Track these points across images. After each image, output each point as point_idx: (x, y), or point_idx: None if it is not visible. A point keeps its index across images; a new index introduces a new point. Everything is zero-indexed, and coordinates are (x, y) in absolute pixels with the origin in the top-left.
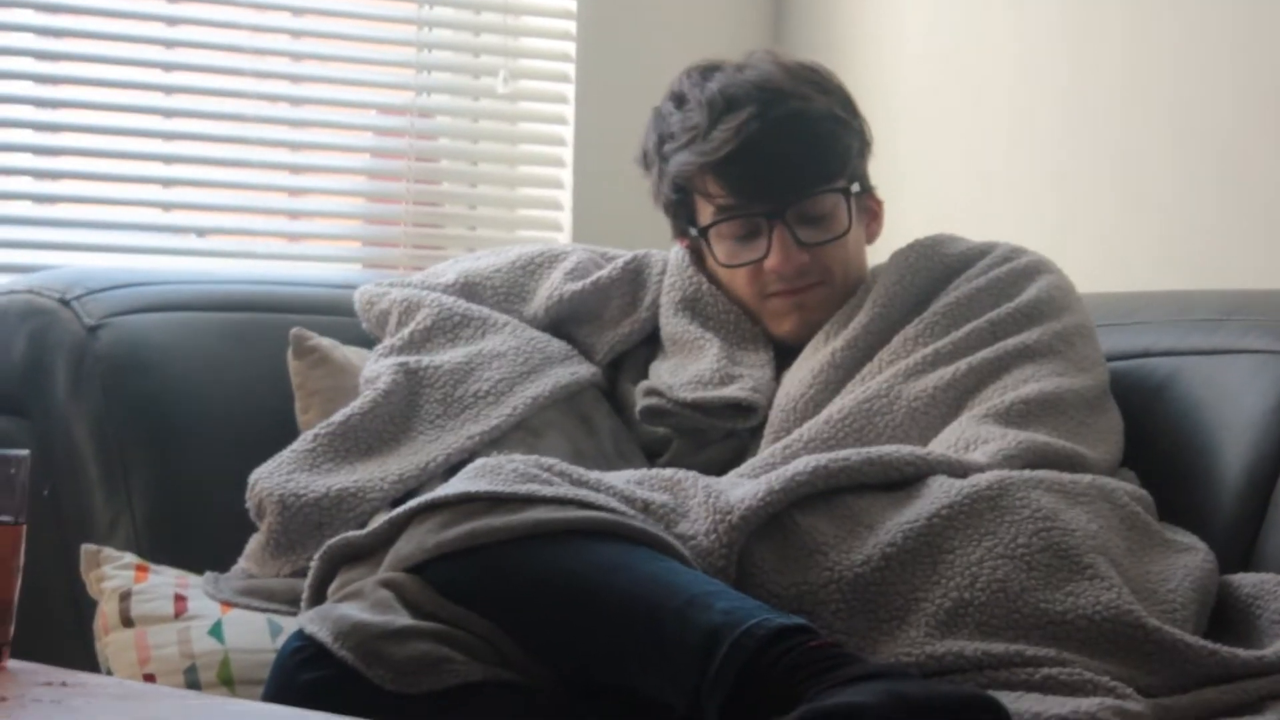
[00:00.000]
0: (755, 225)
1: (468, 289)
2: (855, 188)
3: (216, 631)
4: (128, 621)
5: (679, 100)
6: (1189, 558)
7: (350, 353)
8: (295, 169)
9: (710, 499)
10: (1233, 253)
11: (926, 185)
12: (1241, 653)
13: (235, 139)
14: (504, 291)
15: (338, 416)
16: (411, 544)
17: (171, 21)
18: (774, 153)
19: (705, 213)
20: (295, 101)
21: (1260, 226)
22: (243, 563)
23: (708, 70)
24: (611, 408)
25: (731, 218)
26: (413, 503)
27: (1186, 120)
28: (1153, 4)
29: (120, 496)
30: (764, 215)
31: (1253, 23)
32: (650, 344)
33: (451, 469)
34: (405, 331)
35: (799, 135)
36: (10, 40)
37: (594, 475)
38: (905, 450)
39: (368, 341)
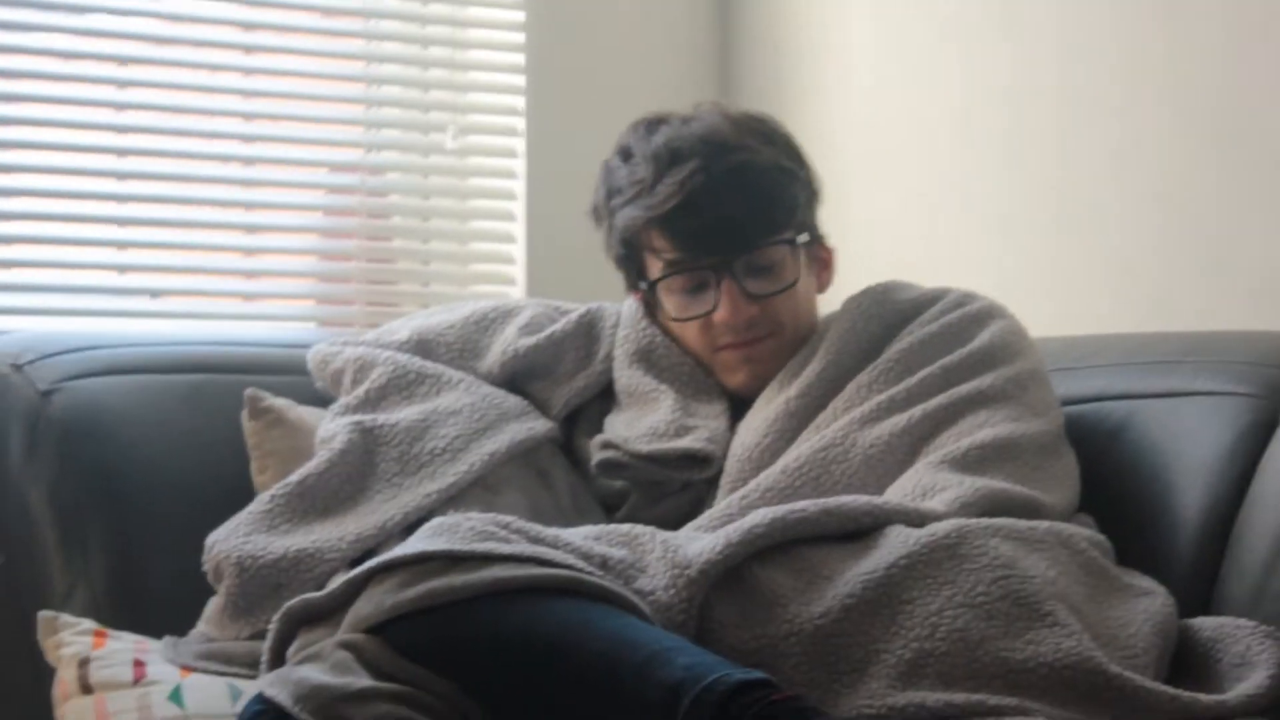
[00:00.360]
0: (704, 278)
1: (422, 346)
2: (804, 238)
3: (176, 697)
4: (87, 688)
5: (625, 154)
6: (1148, 602)
7: (306, 413)
8: (249, 229)
9: (668, 554)
10: (1178, 293)
11: (876, 232)
12: (1203, 697)
13: (188, 200)
14: (458, 348)
15: (294, 477)
16: (370, 604)
17: (123, 85)
18: (719, 205)
19: (654, 267)
20: (247, 161)
21: (1205, 266)
22: (202, 626)
23: (654, 123)
24: (568, 462)
25: (679, 272)
26: (370, 563)
27: (1127, 163)
28: (1091, 51)
29: (77, 562)
30: (711, 269)
31: (1190, 66)
32: (605, 398)
33: (409, 528)
34: (360, 390)
35: (745, 187)
36: None
37: (551, 532)
38: (862, 500)
39: (323, 401)
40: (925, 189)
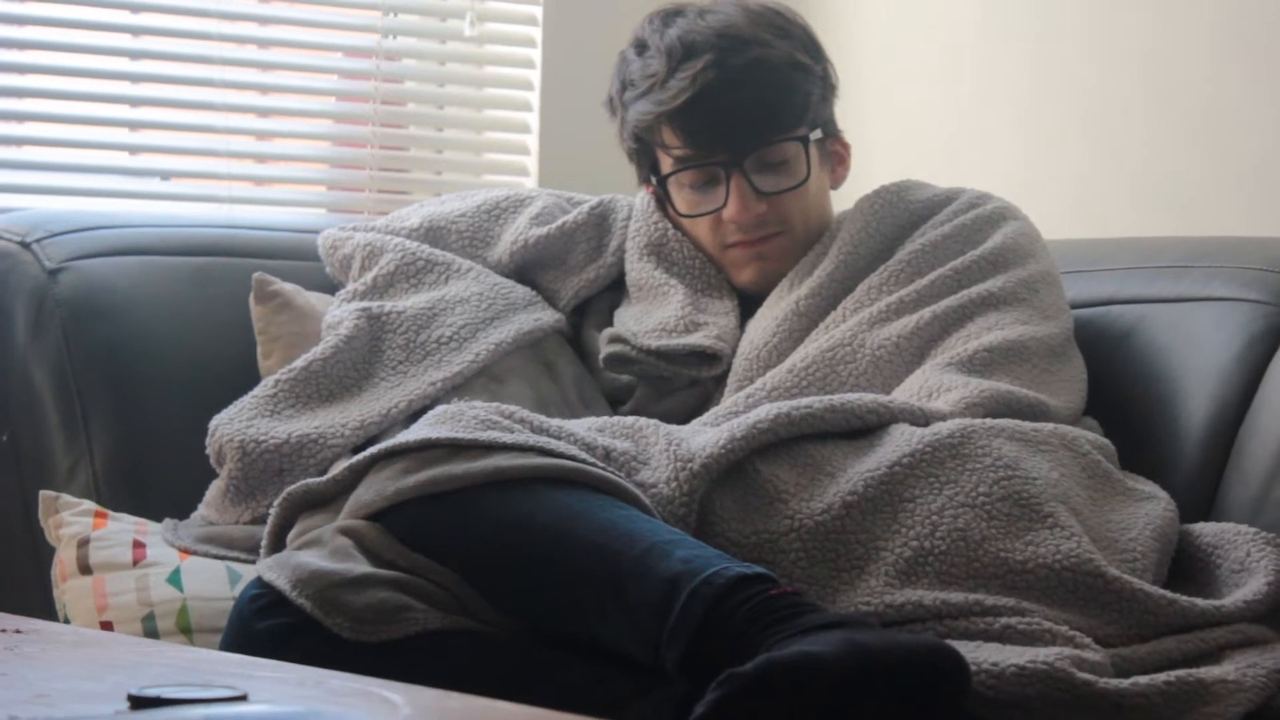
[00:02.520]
0: (714, 174)
1: (432, 233)
2: (816, 134)
3: (175, 579)
4: (86, 569)
5: (640, 46)
6: (1150, 507)
7: (313, 298)
8: (261, 112)
9: (671, 446)
10: (1205, 200)
11: (893, 129)
12: (1200, 602)
13: (201, 81)
14: (469, 236)
15: (299, 362)
16: (371, 491)
17: None
18: (730, 102)
19: (665, 162)
20: (262, 44)
21: (1235, 173)
22: (202, 509)
23: (670, 15)
24: (575, 354)
25: (688, 168)
26: (373, 449)
27: (1158, 64)
28: None
29: (80, 442)
30: (721, 165)
31: None
32: (615, 290)
33: (413, 415)
34: (368, 276)
35: (756, 84)
36: None
37: (555, 422)
38: (868, 398)
39: (331, 287)
40: (946, 85)
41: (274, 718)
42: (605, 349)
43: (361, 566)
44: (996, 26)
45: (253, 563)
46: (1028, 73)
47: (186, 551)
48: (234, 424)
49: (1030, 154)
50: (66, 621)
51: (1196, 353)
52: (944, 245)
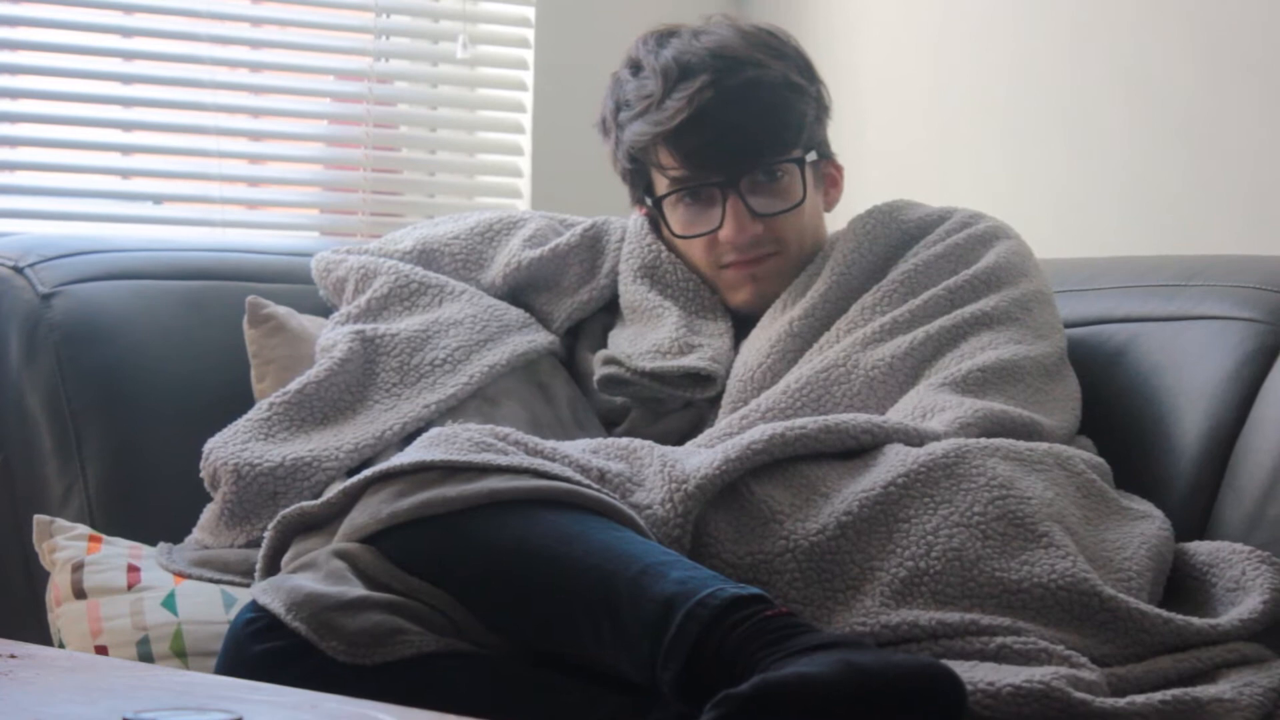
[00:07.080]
0: (709, 195)
1: (425, 256)
2: (811, 156)
3: (169, 603)
4: (80, 593)
5: (635, 67)
6: (1145, 526)
7: (307, 321)
8: (254, 136)
9: (666, 468)
10: (1197, 218)
11: (888, 150)
12: (1196, 621)
13: (194, 105)
14: (462, 258)
15: (293, 385)
16: (365, 514)
17: None
18: (727, 122)
19: (660, 183)
20: (254, 67)
21: (1226, 191)
22: (197, 533)
23: (664, 36)
24: (569, 376)
25: (685, 188)
26: (367, 472)
27: (1146, 82)
28: None
29: (74, 466)
30: (717, 186)
31: None
32: (609, 312)
33: (408, 438)
34: (362, 299)
35: (753, 104)
36: None
37: (549, 444)
38: (862, 418)
39: (325, 310)
40: (939, 106)
41: None
42: (599, 371)
43: (356, 589)
44: (986, 47)
45: (247, 586)
46: (1017, 93)
47: (181, 575)
48: (228, 447)
49: (1021, 173)
50: (61, 646)
51: (1190, 371)
52: (937, 265)
